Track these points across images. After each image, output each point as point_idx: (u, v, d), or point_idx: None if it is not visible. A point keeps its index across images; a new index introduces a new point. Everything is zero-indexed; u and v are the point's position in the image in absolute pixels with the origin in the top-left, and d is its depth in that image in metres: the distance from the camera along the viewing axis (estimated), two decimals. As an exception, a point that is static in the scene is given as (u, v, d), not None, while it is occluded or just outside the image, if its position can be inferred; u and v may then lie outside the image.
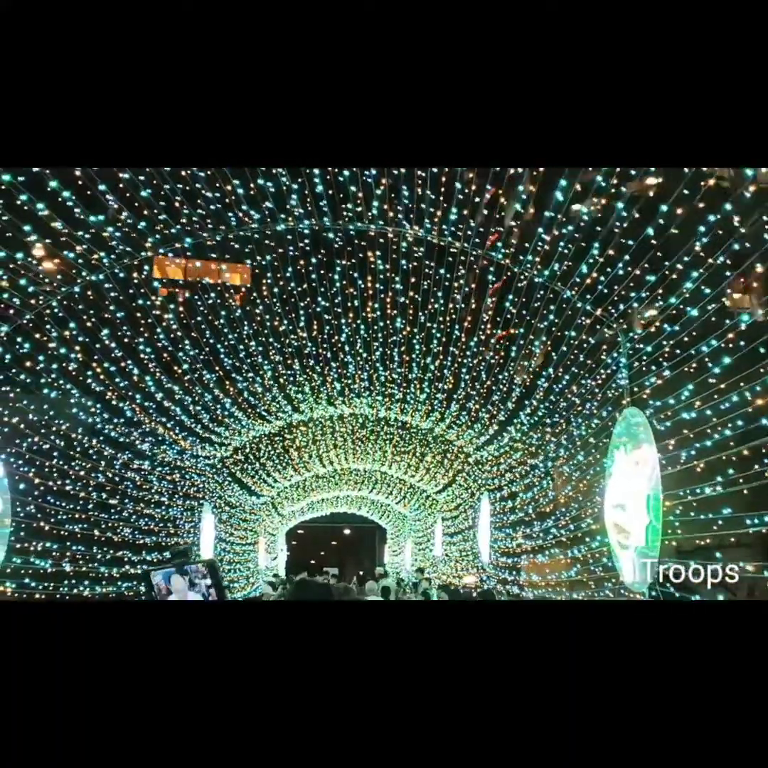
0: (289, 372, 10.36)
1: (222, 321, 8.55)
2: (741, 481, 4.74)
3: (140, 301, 7.67)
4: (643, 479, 5.67)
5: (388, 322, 8.74)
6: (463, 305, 7.98)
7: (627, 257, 5.82)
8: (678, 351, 5.43)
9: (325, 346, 9.57)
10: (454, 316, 8.22)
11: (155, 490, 11.33)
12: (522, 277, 6.76)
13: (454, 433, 13.11)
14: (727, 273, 5.05)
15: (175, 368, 9.12)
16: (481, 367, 8.93)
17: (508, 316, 7.50)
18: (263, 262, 7.86)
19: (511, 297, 7.20)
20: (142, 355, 8.45)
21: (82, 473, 8.62)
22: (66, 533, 8.38)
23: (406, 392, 11.05)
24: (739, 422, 4.81)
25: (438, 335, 8.62)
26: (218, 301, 8.51)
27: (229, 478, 15.87)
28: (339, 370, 10.49)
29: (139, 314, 7.79)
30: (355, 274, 7.83)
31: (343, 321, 8.84)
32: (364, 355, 9.62)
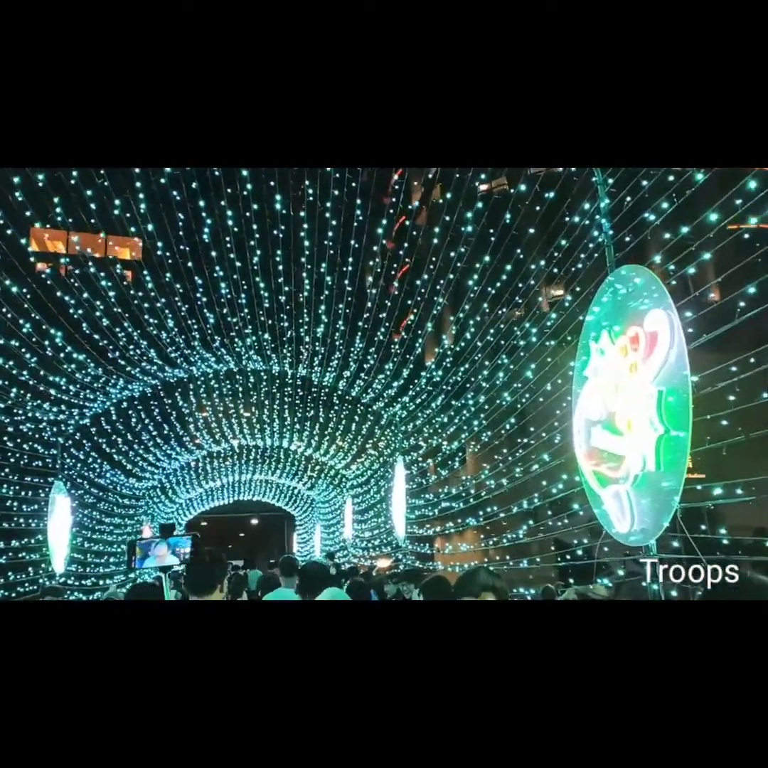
0: (138, 293, 7.74)
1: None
2: None
3: None
4: (649, 368, 3.59)
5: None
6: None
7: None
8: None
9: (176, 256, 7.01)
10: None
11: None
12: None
13: (358, 389, 10.90)
14: None
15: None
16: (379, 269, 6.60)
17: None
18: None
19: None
20: None
21: None
22: None
23: (287, 326, 8.63)
24: None
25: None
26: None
27: (93, 453, 13.02)
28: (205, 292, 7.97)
29: None
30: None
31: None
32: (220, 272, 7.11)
